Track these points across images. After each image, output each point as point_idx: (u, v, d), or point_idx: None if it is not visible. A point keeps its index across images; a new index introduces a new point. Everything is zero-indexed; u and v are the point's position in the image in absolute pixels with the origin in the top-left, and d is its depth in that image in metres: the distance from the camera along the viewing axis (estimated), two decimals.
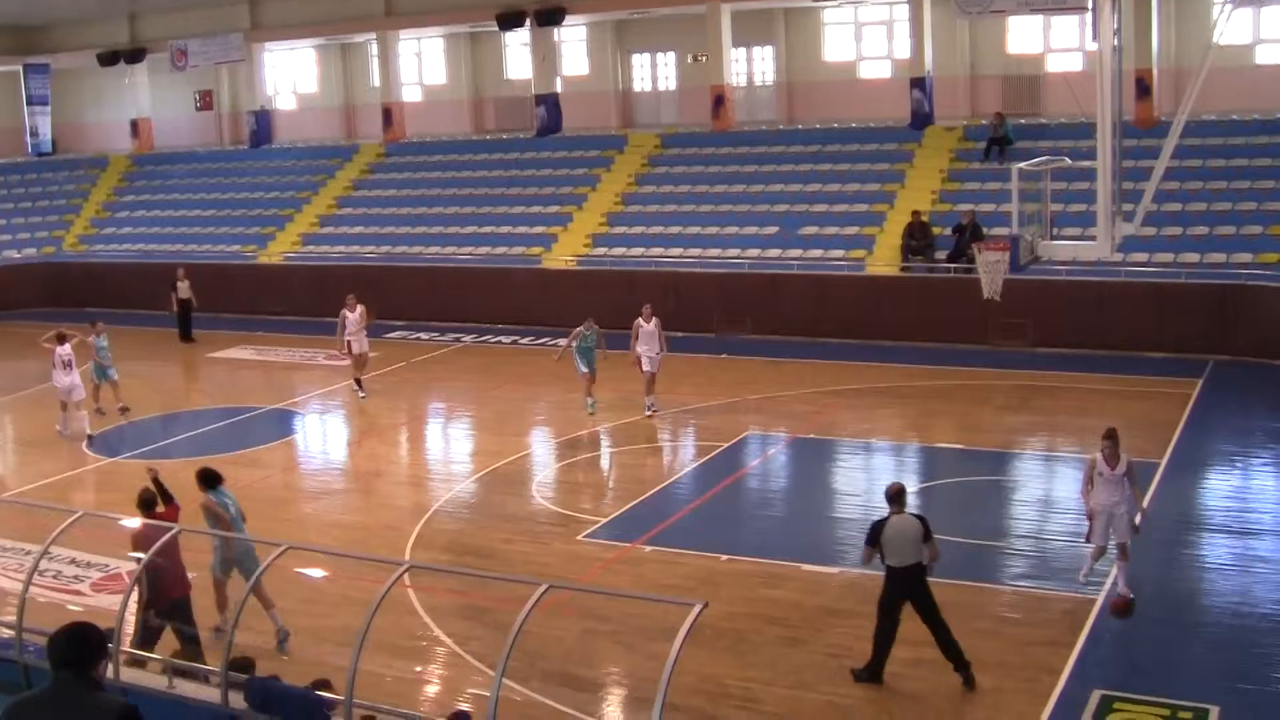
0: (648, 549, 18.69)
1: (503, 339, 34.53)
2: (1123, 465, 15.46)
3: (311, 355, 33.11)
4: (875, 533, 13.90)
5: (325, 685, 11.22)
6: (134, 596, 13.91)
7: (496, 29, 43.05)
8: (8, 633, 13.24)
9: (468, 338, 35.03)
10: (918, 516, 14.09)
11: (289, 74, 51.57)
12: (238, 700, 11.09)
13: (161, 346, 36.35)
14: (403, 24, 44.92)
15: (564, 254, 36.63)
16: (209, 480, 15.64)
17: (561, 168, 40.70)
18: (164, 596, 14.23)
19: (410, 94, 47.52)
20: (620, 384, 26.24)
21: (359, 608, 15.51)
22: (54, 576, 17.10)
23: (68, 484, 22.93)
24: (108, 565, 18.41)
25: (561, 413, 27.02)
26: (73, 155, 51.75)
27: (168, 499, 15.21)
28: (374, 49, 47.17)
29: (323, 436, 27.76)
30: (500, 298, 36.06)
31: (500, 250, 37.83)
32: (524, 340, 34.10)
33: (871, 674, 14.08)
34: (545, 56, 42.72)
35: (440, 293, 36.94)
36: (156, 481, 15.32)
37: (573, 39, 45.92)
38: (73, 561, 18.45)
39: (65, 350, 26.37)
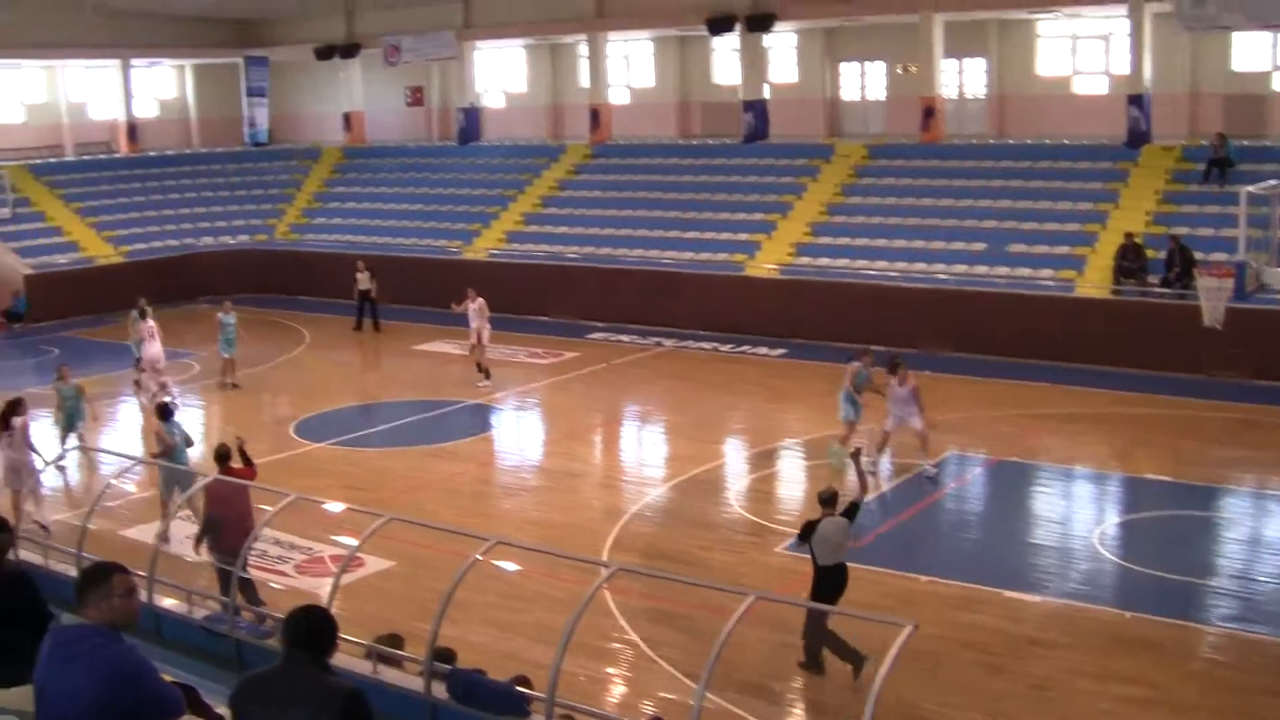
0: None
1: (703, 345, 34.38)
2: None
3: (513, 352, 33.53)
4: (807, 532, 14.90)
5: (524, 681, 11.30)
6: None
7: (706, 33, 42.95)
8: (217, 607, 13.64)
9: (669, 342, 34.94)
10: (845, 514, 14.97)
11: (498, 72, 52.32)
12: (439, 690, 11.21)
13: (358, 336, 37.30)
14: (612, 26, 45.17)
15: (768, 261, 36.45)
16: (163, 413, 19.68)
17: (768, 175, 40.51)
18: (226, 542, 15.20)
19: (618, 96, 47.82)
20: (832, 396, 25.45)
21: (555, 605, 15.69)
22: (259, 556, 17.53)
23: (271, 467, 23.40)
24: (311, 549, 18.88)
25: (760, 421, 26.92)
26: (288, 145, 53.30)
27: (247, 462, 16.79)
28: (583, 50, 47.61)
29: (519, 433, 28.03)
30: (703, 303, 35.99)
31: (704, 255, 37.78)
32: (724, 348, 33.96)
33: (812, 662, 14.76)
34: (754, 63, 42.61)
35: (643, 296, 37.05)
36: (241, 450, 16.75)
37: (782, 45, 45.74)
38: (277, 542, 18.95)
39: (149, 323, 28.84)
